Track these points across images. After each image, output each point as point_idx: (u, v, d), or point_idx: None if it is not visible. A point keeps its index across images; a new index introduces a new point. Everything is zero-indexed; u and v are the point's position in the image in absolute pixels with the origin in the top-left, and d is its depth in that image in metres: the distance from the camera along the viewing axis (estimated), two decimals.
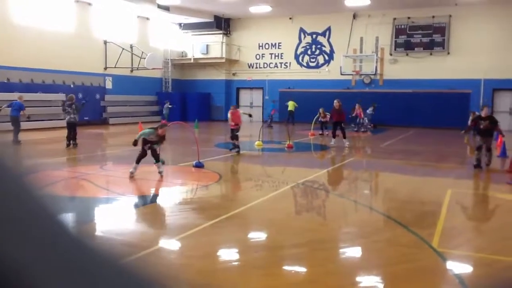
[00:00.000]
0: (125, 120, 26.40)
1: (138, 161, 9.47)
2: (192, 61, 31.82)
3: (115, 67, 25.85)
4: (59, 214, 0.45)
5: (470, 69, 25.47)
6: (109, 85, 26.35)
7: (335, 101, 16.77)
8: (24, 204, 0.43)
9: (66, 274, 0.41)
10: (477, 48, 25.38)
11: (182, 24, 31.32)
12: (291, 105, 26.66)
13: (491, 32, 25.18)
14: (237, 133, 13.67)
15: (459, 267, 4.84)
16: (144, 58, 26.07)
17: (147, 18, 29.02)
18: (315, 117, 20.43)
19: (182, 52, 32.44)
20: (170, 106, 27.19)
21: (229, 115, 13.84)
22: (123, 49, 25.91)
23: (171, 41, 31.39)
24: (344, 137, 16.02)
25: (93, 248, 0.45)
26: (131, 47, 26.94)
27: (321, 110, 20.22)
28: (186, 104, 30.48)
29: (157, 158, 9.62)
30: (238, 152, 13.44)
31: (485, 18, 25.36)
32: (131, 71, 27.24)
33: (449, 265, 4.83)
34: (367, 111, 23.96)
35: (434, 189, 9.21)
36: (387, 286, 4.44)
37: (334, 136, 16.65)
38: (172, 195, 8.47)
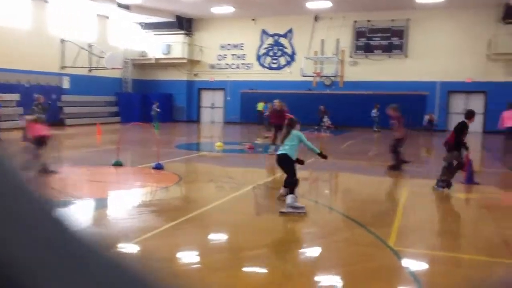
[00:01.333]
0: (83, 121, 25.71)
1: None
2: (153, 61, 31.40)
3: (72, 67, 25.18)
4: (58, 213, 0.45)
5: (426, 72, 26.23)
6: (66, 85, 25.63)
7: (275, 101, 14.96)
8: (23, 203, 0.43)
9: (66, 274, 0.41)
10: (433, 51, 26.17)
11: (143, 24, 30.85)
12: (260, 106, 26.75)
13: (446, 36, 26.03)
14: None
15: (414, 265, 4.94)
16: (103, 58, 25.52)
17: (107, 17, 28.41)
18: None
19: (143, 52, 31.95)
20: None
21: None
22: (81, 48, 25.27)
23: (132, 40, 30.87)
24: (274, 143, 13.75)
25: (92, 248, 0.45)
26: (90, 46, 26.32)
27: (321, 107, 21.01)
28: (147, 105, 29.99)
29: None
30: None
31: (441, 22, 26.18)
32: (90, 70, 26.62)
33: (405, 263, 4.93)
34: (372, 112, 24.47)
35: (392, 188, 9.41)
36: (345, 286, 4.48)
37: (274, 142, 13.86)
38: (130, 198, 8.29)
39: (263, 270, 4.95)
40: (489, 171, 12.65)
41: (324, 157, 7.62)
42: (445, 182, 8.68)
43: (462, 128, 8.65)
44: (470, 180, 9.56)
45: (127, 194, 8.64)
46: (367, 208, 7.53)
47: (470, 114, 8.84)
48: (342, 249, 5.49)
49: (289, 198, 6.90)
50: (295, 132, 7.32)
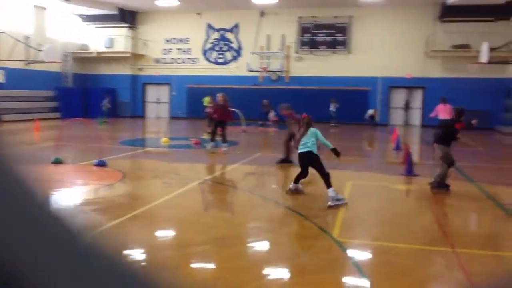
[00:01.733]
0: (20, 117, 24.50)
1: None
2: (94, 54, 30.36)
3: (8, 60, 23.91)
4: (59, 214, 0.45)
5: (368, 68, 27.01)
6: (1, 79, 24.31)
7: (218, 95, 14.19)
8: (23, 203, 0.43)
9: (66, 274, 0.41)
10: (375, 48, 26.97)
11: (83, 16, 29.75)
12: (206, 101, 26.54)
13: (387, 33, 26.89)
14: None
15: (357, 255, 5.06)
16: (42, 51, 24.42)
17: (44, 8, 27.17)
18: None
19: (84, 45, 30.82)
20: (109, 105, 25.85)
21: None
22: (17, 40, 24.05)
23: (72, 33, 29.71)
24: (225, 140, 13.65)
25: (92, 247, 0.45)
26: (27, 38, 25.09)
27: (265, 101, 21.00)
28: (88, 100, 29.05)
29: None
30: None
31: (382, 20, 27.02)
32: (27, 64, 25.38)
33: (349, 254, 5.04)
34: (330, 108, 24.76)
35: (336, 181, 9.59)
36: (292, 278, 4.52)
37: (213, 139, 13.79)
38: (71, 196, 7.99)
39: (210, 266, 4.92)
40: (428, 163, 13.21)
41: (337, 154, 7.97)
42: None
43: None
44: (409, 172, 9.94)
45: (67, 193, 8.32)
46: (312, 202, 7.65)
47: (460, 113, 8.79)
48: (288, 242, 5.54)
49: (331, 192, 7.25)
50: (313, 129, 7.85)
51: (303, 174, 7.84)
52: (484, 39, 22.20)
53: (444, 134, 8.70)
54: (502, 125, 23.73)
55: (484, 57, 20.82)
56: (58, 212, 0.46)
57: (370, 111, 25.69)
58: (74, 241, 0.45)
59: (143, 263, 0.47)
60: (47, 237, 0.43)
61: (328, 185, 7.34)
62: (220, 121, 13.59)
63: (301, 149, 7.72)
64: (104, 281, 0.43)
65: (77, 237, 0.46)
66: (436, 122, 16.27)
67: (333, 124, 24.40)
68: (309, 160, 7.61)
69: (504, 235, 6.22)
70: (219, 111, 13.58)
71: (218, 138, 13.75)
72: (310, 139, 7.68)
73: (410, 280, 4.35)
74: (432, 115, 17.98)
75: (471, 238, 5.94)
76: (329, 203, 7.10)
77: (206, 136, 17.64)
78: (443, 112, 16.95)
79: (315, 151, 7.61)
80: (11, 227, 0.41)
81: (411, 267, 4.72)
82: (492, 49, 20.78)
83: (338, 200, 7.21)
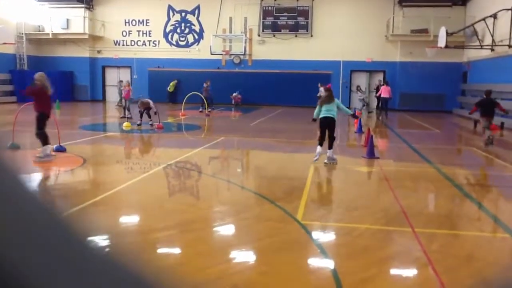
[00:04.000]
0: None
1: None
2: (50, 36, 29.28)
3: None
4: (58, 213, 0.45)
5: (330, 51, 27.23)
6: None
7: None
8: (21, 202, 0.44)
9: (65, 274, 0.41)
10: (337, 32, 27.19)
11: None
12: (171, 86, 26.18)
13: (349, 17, 27.15)
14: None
15: (321, 237, 5.15)
16: None
17: None
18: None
19: (39, 26, 29.66)
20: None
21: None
22: None
23: (26, 13, 28.49)
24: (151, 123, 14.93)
25: (92, 247, 0.45)
26: None
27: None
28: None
29: None
30: None
31: (343, 4, 27.24)
32: None
33: (312, 236, 5.13)
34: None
35: (299, 165, 9.71)
36: (256, 260, 4.56)
37: (140, 121, 15.31)
38: (29, 183, 7.74)
39: (174, 251, 4.90)
40: (388, 145, 13.53)
41: (356, 117, 10.54)
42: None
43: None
44: (371, 154, 10.15)
45: (25, 180, 8.05)
46: (276, 185, 7.71)
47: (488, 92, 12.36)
48: (252, 226, 5.57)
49: (329, 153, 9.06)
50: (336, 99, 9.32)
51: (323, 136, 9.14)
52: (441, 24, 22.74)
53: (492, 111, 12.15)
54: (458, 108, 24.52)
55: (441, 41, 21.34)
56: (58, 214, 0.46)
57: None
58: (73, 241, 0.45)
59: (106, 250, 0.46)
60: (47, 239, 0.42)
61: (330, 146, 9.07)
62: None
63: (325, 114, 8.99)
64: (104, 282, 0.43)
65: (75, 237, 0.45)
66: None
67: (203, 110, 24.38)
68: (330, 123, 9.01)
69: (460, 215, 6.47)
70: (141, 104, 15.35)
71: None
72: (334, 107, 9.05)
73: (372, 259, 4.46)
74: (377, 94, 22.12)
75: (429, 217, 6.14)
76: (325, 161, 9.04)
77: (172, 120, 17.42)
78: (385, 92, 21.14)
79: (336, 117, 9.08)
80: (9, 228, 0.40)
81: (372, 247, 4.84)
82: (449, 34, 21.31)
83: (333, 159, 9.09)
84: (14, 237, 0.40)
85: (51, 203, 0.46)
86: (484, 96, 12.36)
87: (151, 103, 15.09)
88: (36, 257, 0.40)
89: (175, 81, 26.71)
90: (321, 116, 9.09)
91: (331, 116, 8.94)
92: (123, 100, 18.82)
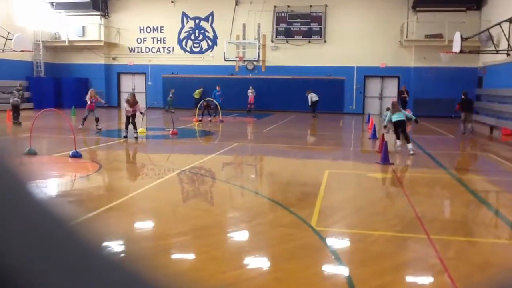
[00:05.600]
0: None
1: None
2: (66, 43, 29.69)
3: None
4: (58, 213, 0.45)
5: (344, 57, 27.18)
6: None
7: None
8: (22, 201, 0.44)
9: (65, 273, 0.41)
10: (350, 37, 27.14)
11: (54, 3, 29.02)
12: (197, 93, 26.27)
13: (362, 22, 27.08)
14: None
15: (335, 244, 5.14)
16: (11, 39, 23.74)
17: None
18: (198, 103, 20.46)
19: (55, 34, 30.11)
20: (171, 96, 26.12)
21: None
22: None
23: (42, 21, 28.95)
24: (133, 129, 13.78)
25: (92, 247, 0.45)
26: None
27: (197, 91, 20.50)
28: (61, 89, 28.48)
29: None
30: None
31: (357, 9, 27.18)
32: None
33: (326, 242, 5.11)
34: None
35: (313, 170, 9.70)
36: (270, 267, 4.57)
37: (126, 134, 13.81)
38: (46, 189, 7.85)
39: (188, 256, 4.92)
40: (402, 151, 13.43)
41: (417, 121, 12.52)
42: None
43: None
44: (385, 161, 10.10)
45: (42, 185, 8.17)
46: (290, 191, 7.71)
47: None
48: (265, 232, 5.58)
49: (410, 145, 11.59)
50: (402, 110, 12.46)
51: (398, 134, 12.06)
52: (456, 29, 22.56)
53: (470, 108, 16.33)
54: (474, 114, 24.24)
55: (456, 46, 21.17)
56: (41, 202, 0.46)
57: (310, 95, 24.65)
58: (64, 231, 0.45)
59: (121, 255, 0.47)
60: (37, 230, 0.43)
61: (408, 141, 11.65)
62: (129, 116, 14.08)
63: (397, 118, 11.85)
64: (104, 281, 0.43)
65: (66, 228, 0.46)
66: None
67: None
68: (403, 125, 11.86)
69: (476, 221, 6.40)
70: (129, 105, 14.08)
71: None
72: (402, 113, 12.01)
73: (386, 266, 4.44)
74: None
75: (445, 224, 6.09)
76: (411, 152, 11.44)
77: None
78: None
79: (405, 119, 11.93)
80: (3, 221, 0.41)
81: (387, 253, 4.82)
82: (464, 39, 21.13)
83: (413, 150, 11.52)
84: (18, 244, 0.40)
85: (60, 210, 0.46)
86: (462, 97, 16.88)
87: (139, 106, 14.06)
88: (40, 264, 0.40)
89: (201, 88, 26.88)
90: (394, 120, 11.91)
91: (402, 119, 11.83)
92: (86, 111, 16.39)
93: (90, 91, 16.58)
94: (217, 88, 22.72)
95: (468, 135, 15.89)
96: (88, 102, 16.13)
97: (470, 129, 16.15)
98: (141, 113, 14.27)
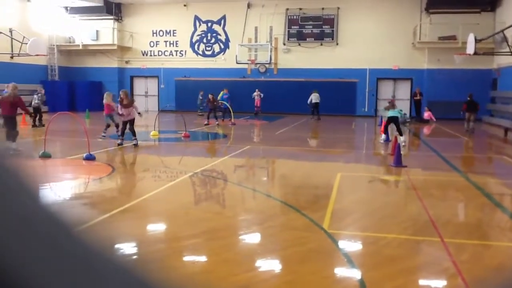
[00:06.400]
0: None
1: None
2: (80, 47, 30.02)
3: None
4: (58, 212, 0.45)
5: (356, 59, 27.07)
6: None
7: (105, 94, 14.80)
8: (23, 201, 0.43)
9: (66, 276, 0.41)
10: (362, 39, 27.03)
11: (68, 8, 29.37)
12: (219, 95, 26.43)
13: (374, 24, 26.96)
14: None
15: (347, 247, 5.11)
16: (26, 44, 24.07)
17: (28, 0, 26.76)
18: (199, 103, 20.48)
19: (70, 38, 30.46)
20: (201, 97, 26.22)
21: None
22: (1, 33, 23.67)
23: (57, 25, 29.31)
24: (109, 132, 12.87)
25: (96, 249, 0.45)
26: (11, 31, 24.70)
27: (210, 96, 20.20)
28: (75, 93, 28.79)
29: None
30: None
31: (369, 11, 27.07)
32: (11, 57, 25.01)
33: (338, 245, 5.09)
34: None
35: (325, 173, 9.67)
36: (282, 270, 4.56)
37: (121, 141, 12.60)
38: (60, 190, 7.94)
39: (200, 259, 4.93)
40: (416, 154, 13.33)
41: (406, 121, 15.37)
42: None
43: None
44: (398, 163, 10.02)
45: (56, 188, 8.26)
46: (302, 193, 7.70)
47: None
48: (277, 234, 5.57)
49: (403, 138, 13.22)
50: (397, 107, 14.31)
51: (386, 129, 14.32)
52: (470, 30, 22.34)
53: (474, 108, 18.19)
54: (488, 116, 23.99)
55: (470, 48, 20.96)
56: (51, 207, 0.46)
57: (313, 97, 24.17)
58: (68, 236, 0.45)
59: (134, 257, 0.47)
60: (42, 233, 0.43)
61: (401, 134, 13.17)
62: (126, 121, 12.66)
63: (392, 114, 13.53)
64: (99, 277, 0.43)
65: (71, 232, 0.46)
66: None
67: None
68: (396, 120, 13.51)
69: (491, 225, 6.32)
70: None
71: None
72: (396, 111, 13.74)
73: (399, 269, 4.41)
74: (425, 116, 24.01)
75: (459, 227, 6.03)
76: (403, 144, 12.38)
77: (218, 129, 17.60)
78: (427, 116, 23.66)
79: (398, 116, 13.72)
80: (5, 224, 0.40)
81: (399, 257, 4.78)
82: (478, 41, 20.92)
83: (404, 142, 13.18)
84: (19, 246, 0.40)
85: (65, 212, 0.46)
86: (468, 99, 18.63)
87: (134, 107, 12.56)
88: (41, 266, 0.40)
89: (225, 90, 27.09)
90: (388, 116, 13.59)
91: (395, 115, 13.57)
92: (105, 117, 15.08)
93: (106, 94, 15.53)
94: (225, 91, 22.87)
95: (470, 133, 17.63)
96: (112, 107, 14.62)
97: (472, 128, 17.85)
98: (139, 113, 13.00)
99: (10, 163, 0.46)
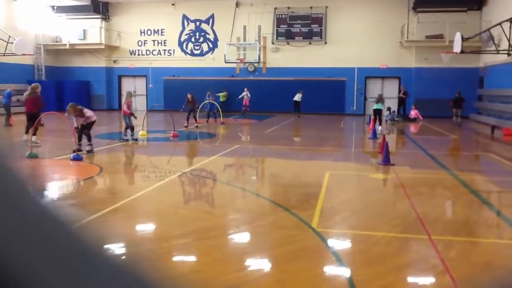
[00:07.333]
0: None
1: None
2: (67, 46, 29.75)
3: None
4: (59, 213, 0.45)
5: (345, 58, 27.19)
6: None
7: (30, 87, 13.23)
8: (24, 202, 0.44)
9: (65, 275, 0.41)
10: (351, 38, 27.15)
11: (55, 7, 29.09)
12: (222, 96, 26.28)
13: (362, 23, 27.09)
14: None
15: (336, 245, 5.14)
16: (12, 43, 23.79)
17: None
18: (184, 104, 19.47)
19: (57, 37, 30.17)
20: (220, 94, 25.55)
21: None
22: None
23: (43, 25, 29.02)
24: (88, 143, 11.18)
25: (93, 248, 0.45)
26: None
27: (189, 96, 18.84)
28: (62, 92, 28.52)
29: None
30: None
31: (357, 10, 27.20)
32: None
33: (328, 244, 5.11)
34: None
35: (314, 172, 9.70)
36: (271, 269, 4.56)
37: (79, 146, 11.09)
38: (47, 192, 7.86)
39: (190, 258, 4.92)
40: (404, 152, 13.43)
41: (391, 112, 19.90)
42: None
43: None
44: (386, 161, 10.09)
45: (43, 188, 8.18)
46: (291, 192, 7.71)
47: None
48: (267, 233, 5.58)
49: (380, 127, 15.71)
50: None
51: (375, 120, 16.28)
52: (457, 29, 22.54)
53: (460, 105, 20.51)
54: (475, 113, 24.23)
55: (457, 46, 21.15)
56: (50, 207, 0.46)
57: (298, 96, 24.52)
58: (68, 236, 0.45)
59: (123, 257, 0.47)
60: (42, 233, 0.43)
61: (380, 124, 16.02)
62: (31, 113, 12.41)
63: (375, 107, 16.31)
64: (99, 277, 0.43)
65: (70, 232, 0.46)
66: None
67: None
68: (379, 112, 16.14)
69: (478, 222, 6.38)
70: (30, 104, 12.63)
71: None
72: (380, 103, 16.23)
73: (388, 267, 4.44)
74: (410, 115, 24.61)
75: (446, 225, 6.08)
76: (379, 132, 14.93)
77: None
78: (414, 114, 23.99)
79: (381, 108, 16.46)
80: (5, 224, 0.41)
81: (388, 254, 4.81)
82: (464, 39, 21.12)
83: (381, 131, 15.20)
84: (19, 245, 0.40)
85: (61, 211, 0.46)
86: (456, 95, 20.89)
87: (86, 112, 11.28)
88: (41, 265, 0.40)
89: (226, 92, 26.97)
90: (373, 108, 16.16)
91: (379, 108, 16.18)
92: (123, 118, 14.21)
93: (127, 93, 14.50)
94: (225, 93, 22.75)
95: (458, 125, 19.90)
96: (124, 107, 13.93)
97: (459, 121, 20.25)
98: (132, 114, 13.26)
99: (10, 163, 0.46)
